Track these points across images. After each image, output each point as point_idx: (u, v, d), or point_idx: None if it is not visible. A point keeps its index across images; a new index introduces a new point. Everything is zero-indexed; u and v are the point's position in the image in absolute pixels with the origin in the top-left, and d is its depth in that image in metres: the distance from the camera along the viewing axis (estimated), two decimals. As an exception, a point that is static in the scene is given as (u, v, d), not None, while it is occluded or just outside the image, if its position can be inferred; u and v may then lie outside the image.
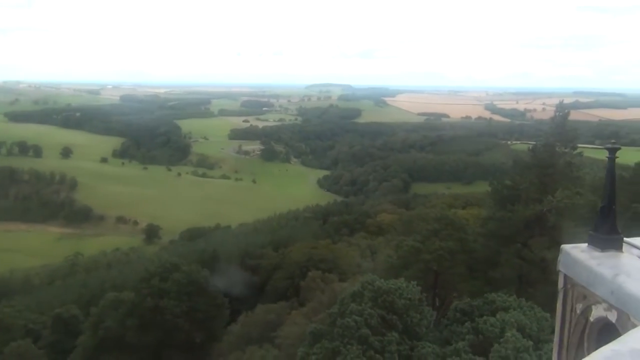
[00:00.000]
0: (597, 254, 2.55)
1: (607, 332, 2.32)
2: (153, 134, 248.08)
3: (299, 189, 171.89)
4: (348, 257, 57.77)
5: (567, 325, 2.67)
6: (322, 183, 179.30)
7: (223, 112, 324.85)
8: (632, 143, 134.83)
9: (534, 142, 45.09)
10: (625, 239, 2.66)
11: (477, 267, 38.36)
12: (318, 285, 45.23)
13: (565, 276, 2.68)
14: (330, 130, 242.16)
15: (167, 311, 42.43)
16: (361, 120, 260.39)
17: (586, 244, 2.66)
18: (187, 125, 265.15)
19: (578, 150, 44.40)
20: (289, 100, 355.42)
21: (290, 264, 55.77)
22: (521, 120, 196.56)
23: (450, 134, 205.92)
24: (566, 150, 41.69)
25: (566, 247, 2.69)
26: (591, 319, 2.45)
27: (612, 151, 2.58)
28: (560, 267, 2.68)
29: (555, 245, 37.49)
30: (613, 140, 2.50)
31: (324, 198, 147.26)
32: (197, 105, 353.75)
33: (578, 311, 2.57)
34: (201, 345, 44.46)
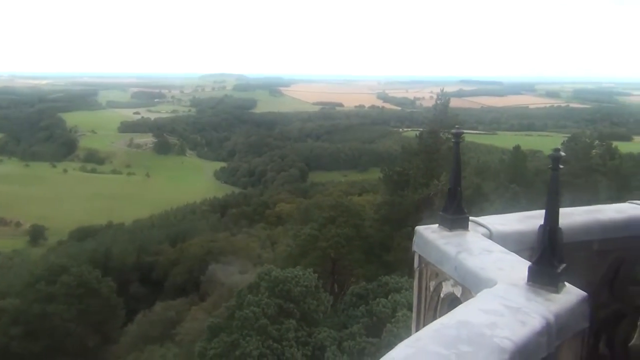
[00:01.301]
0: (446, 233, 2.70)
1: (455, 306, 2.46)
2: (34, 128, 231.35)
3: (196, 181, 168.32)
4: (248, 249, 57.49)
5: (422, 302, 2.81)
6: (219, 175, 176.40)
7: (112, 104, 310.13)
8: (511, 128, 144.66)
9: (422, 129, 47.13)
10: (471, 218, 2.83)
11: (373, 251, 39.66)
12: (218, 278, 44.70)
13: (420, 256, 2.82)
14: (226, 121, 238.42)
15: (56, 316, 40.02)
16: (257, 110, 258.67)
17: (437, 225, 2.81)
18: (72, 118, 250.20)
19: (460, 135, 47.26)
20: (181, 91, 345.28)
21: (189, 258, 54.58)
22: (411, 108, 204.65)
23: (345, 122, 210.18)
24: (449, 135, 44.09)
25: (419, 228, 2.84)
26: (442, 295, 2.60)
27: (457, 136, 2.74)
28: (415, 247, 2.82)
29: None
30: (457, 126, 2.65)
31: (222, 190, 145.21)
32: (83, 97, 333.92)
33: (431, 288, 2.71)
34: (96, 349, 42.44)
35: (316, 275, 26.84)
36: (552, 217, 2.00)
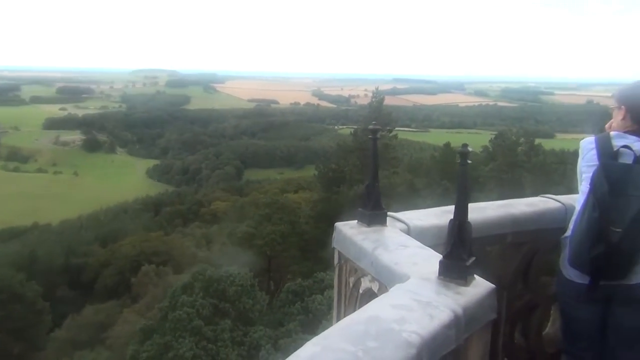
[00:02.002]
0: (364, 229, 2.71)
1: (373, 302, 2.47)
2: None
3: (127, 180, 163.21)
4: (183, 248, 56.32)
5: (342, 298, 2.82)
6: (151, 173, 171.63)
7: (36, 100, 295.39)
8: (442, 125, 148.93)
9: (357, 127, 47.73)
10: (390, 213, 2.85)
11: (309, 248, 39.86)
12: (151, 279, 43.66)
13: (339, 252, 2.82)
14: (159, 118, 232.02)
15: (-25, 324, 37.89)
16: (190, 107, 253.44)
17: (356, 221, 2.82)
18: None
19: (394, 133, 48.18)
20: (111, 87, 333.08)
21: (121, 259, 52.87)
22: (346, 105, 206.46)
23: (280, 119, 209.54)
24: (383, 133, 44.93)
25: (339, 224, 2.84)
26: (361, 290, 2.61)
27: (374, 132, 2.75)
28: (334, 244, 2.81)
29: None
30: (374, 122, 2.67)
31: (155, 189, 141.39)
32: (3, 92, 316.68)
33: (351, 284, 2.72)
34: (21, 356, 40.47)
35: (252, 273, 26.71)
36: (461, 212, 2.03)
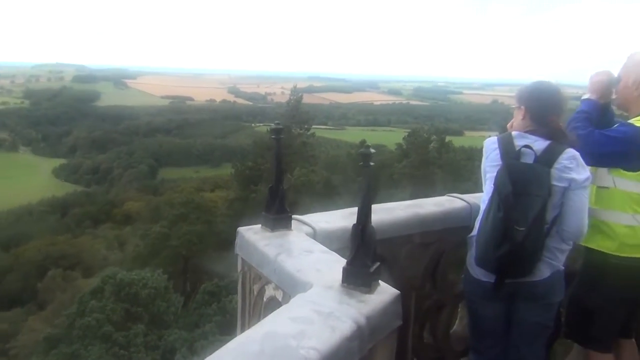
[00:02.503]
0: (268, 234, 2.57)
1: (278, 310, 2.33)
2: None
3: (31, 180, 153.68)
4: (93, 251, 53.85)
5: (247, 307, 2.67)
6: (58, 173, 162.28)
7: None
8: (358, 123, 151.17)
9: (274, 124, 47.57)
10: (295, 216, 2.74)
11: (226, 248, 39.25)
12: (58, 285, 41.43)
13: (242, 259, 2.67)
14: (65, 115, 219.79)
15: None
16: (100, 103, 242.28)
17: (260, 225, 2.68)
18: None
19: (311, 131, 48.48)
20: (12, 81, 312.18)
21: (25, 264, 49.79)
22: (263, 103, 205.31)
23: (196, 117, 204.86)
24: (301, 131, 45.11)
25: (241, 229, 2.69)
26: (265, 299, 2.48)
27: (277, 132, 2.61)
28: (237, 249, 2.66)
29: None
30: (277, 122, 2.52)
31: (63, 189, 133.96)
32: None
33: (255, 292, 2.58)
34: None
35: (166, 275, 25.97)
36: (364, 215, 1.94)
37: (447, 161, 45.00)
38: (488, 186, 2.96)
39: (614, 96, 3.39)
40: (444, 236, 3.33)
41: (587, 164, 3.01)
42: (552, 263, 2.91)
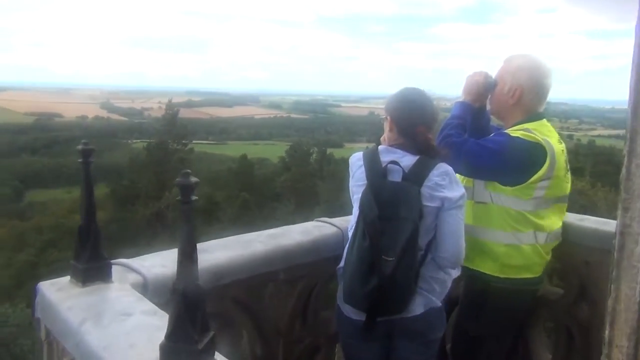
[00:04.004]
0: (76, 290, 1.92)
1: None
2: None
3: None
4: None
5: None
6: None
7: None
8: (239, 137, 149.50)
9: (152, 140, 45.71)
10: (118, 261, 2.11)
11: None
12: None
13: (45, 325, 1.99)
14: None
15: None
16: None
17: (69, 278, 2.02)
18: None
19: (190, 146, 47.08)
20: None
21: None
22: (139, 118, 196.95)
23: (66, 134, 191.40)
24: (178, 147, 43.63)
25: (42, 285, 2.01)
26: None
27: (86, 155, 1.96)
28: (38, 312, 1.97)
29: (177, 240, 38.87)
30: (84, 141, 1.89)
31: None
32: None
33: (64, 368, 1.91)
34: None
35: (30, 310, 23.58)
36: (187, 265, 1.38)
37: (329, 173, 45.71)
38: (355, 209, 2.60)
39: (488, 107, 3.08)
40: (313, 269, 2.85)
41: (463, 175, 2.78)
42: (429, 296, 2.54)
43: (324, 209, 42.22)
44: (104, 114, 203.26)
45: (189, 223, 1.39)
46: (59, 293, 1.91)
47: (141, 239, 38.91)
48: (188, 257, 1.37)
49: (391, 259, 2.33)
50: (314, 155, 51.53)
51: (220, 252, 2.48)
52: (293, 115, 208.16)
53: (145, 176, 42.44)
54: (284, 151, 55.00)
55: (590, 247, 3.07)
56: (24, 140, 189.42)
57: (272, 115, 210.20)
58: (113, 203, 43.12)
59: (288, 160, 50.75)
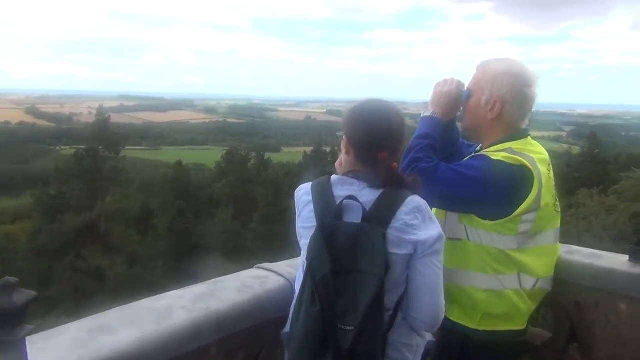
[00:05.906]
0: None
1: None
2: None
3: None
4: None
5: None
6: None
7: None
8: (175, 143, 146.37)
9: (82, 147, 43.89)
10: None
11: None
12: None
13: None
14: None
15: None
16: None
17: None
18: None
19: (123, 153, 45.55)
20: None
21: None
22: (68, 124, 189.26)
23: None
24: (110, 154, 42.14)
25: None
26: None
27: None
28: None
29: (110, 251, 37.36)
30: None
31: None
32: None
33: None
34: None
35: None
36: None
37: (267, 178, 45.46)
38: (303, 257, 2.00)
39: (459, 124, 2.62)
40: (255, 336, 2.22)
41: (434, 207, 2.19)
42: None
43: (263, 216, 41.90)
44: (29, 119, 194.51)
45: None
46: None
47: (72, 249, 37.38)
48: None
49: (350, 327, 1.73)
50: (252, 160, 51.08)
51: (126, 330, 1.80)
52: (229, 120, 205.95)
53: (75, 185, 40.78)
54: (220, 157, 54.25)
55: (581, 286, 2.62)
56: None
57: (207, 120, 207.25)
58: (39, 213, 41.20)
59: (225, 166, 50.11)
